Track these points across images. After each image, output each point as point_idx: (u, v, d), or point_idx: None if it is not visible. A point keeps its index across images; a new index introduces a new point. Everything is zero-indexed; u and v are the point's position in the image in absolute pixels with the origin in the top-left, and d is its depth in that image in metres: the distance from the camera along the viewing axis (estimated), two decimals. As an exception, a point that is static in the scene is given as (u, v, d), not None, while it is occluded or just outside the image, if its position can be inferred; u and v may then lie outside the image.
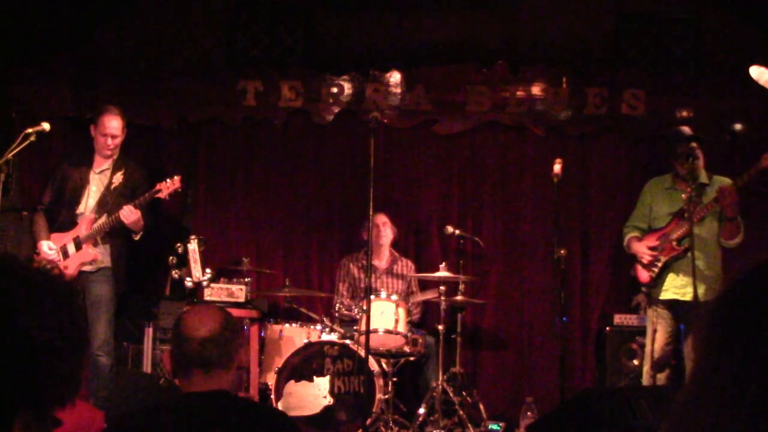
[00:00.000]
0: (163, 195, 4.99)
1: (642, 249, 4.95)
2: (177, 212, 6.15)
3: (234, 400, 2.18)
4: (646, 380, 4.92)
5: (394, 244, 5.95)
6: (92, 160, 5.20)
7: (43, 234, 5.09)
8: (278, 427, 2.14)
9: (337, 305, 5.39)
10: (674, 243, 4.83)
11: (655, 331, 4.87)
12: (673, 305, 4.85)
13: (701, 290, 4.76)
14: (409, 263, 5.91)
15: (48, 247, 5.01)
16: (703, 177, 4.87)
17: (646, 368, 4.94)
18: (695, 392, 0.83)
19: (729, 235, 4.77)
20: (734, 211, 4.67)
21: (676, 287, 4.83)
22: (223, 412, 2.07)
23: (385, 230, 5.75)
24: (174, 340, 2.19)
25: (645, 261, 4.91)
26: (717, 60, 6.07)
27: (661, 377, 4.86)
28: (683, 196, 4.60)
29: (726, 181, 4.82)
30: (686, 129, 4.90)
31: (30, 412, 0.97)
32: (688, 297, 4.81)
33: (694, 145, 4.79)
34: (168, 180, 5.00)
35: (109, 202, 5.07)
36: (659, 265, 4.86)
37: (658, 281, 4.88)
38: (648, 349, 4.91)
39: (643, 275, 4.95)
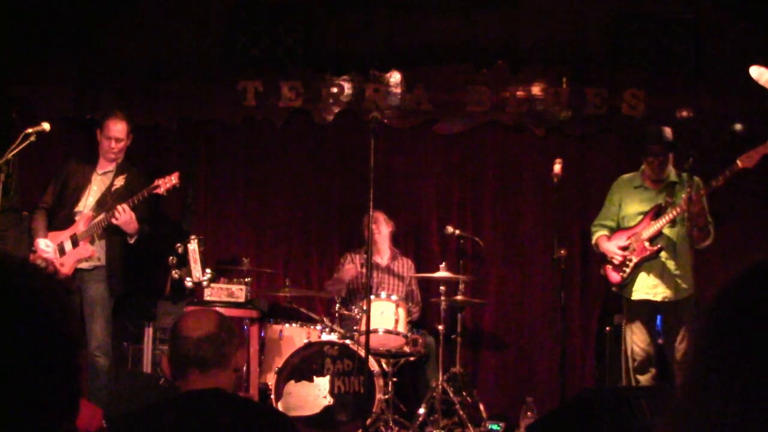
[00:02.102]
0: (160, 191, 5.00)
1: (613, 249, 4.93)
2: (177, 212, 6.15)
3: (230, 398, 2.20)
4: (626, 383, 4.92)
5: (396, 242, 5.95)
6: (97, 161, 5.24)
7: (40, 231, 5.09)
8: (274, 423, 2.16)
9: (337, 302, 5.39)
10: (646, 243, 4.82)
11: (632, 342, 4.87)
12: (644, 305, 4.86)
13: (672, 291, 4.77)
14: (409, 262, 5.91)
15: (45, 245, 5.01)
16: (673, 175, 4.88)
17: (626, 372, 4.93)
18: (691, 390, 0.83)
19: (699, 239, 4.73)
20: (703, 220, 4.66)
21: (648, 287, 4.83)
22: (219, 409, 2.10)
23: (384, 230, 5.75)
24: (171, 341, 2.25)
25: (616, 262, 4.90)
26: (717, 60, 6.06)
27: (646, 378, 4.85)
28: (683, 196, 4.60)
29: (695, 180, 4.79)
30: (668, 132, 4.87)
31: (71, 424, 0.94)
32: (659, 297, 4.83)
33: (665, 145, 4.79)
34: (166, 176, 5.02)
35: (108, 203, 5.07)
36: (630, 265, 4.86)
37: (629, 281, 4.88)
38: (628, 352, 4.91)
39: (614, 276, 4.94)
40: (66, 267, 4.95)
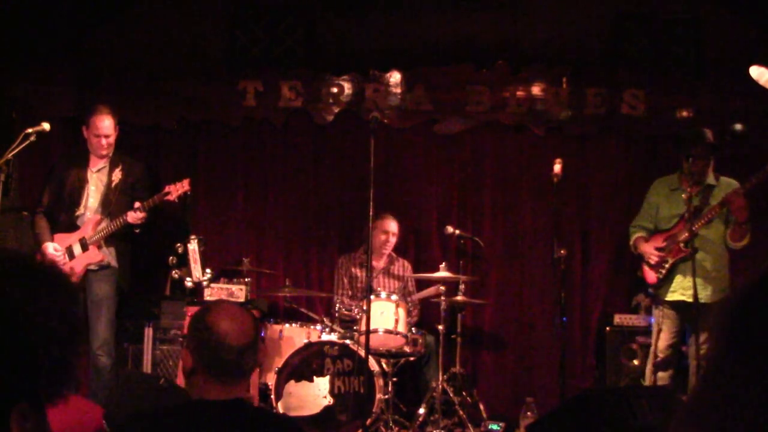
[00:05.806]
0: (172, 197, 4.99)
1: (649, 249, 4.96)
2: (177, 212, 6.15)
3: (249, 410, 2.12)
4: (648, 379, 4.93)
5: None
6: (88, 159, 5.19)
7: (46, 236, 5.07)
8: None
9: (338, 305, 5.39)
10: (681, 245, 4.83)
11: (660, 331, 4.88)
12: (679, 306, 4.86)
13: (708, 291, 4.77)
14: (406, 263, 5.91)
15: (54, 249, 5.00)
16: (711, 178, 4.89)
17: (649, 367, 4.95)
18: (704, 391, 0.83)
19: (737, 238, 4.76)
20: (744, 215, 4.67)
21: (683, 288, 4.84)
22: (238, 421, 2.02)
23: (393, 240, 5.76)
24: (208, 344, 2.03)
25: (652, 262, 4.93)
26: (717, 60, 6.06)
27: (664, 376, 4.87)
28: (684, 196, 4.62)
29: (733, 182, 4.82)
30: (709, 134, 4.88)
31: (26, 404, 0.95)
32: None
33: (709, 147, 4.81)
34: (177, 183, 5.00)
35: (112, 201, 5.06)
36: (666, 266, 4.88)
37: (665, 282, 4.90)
38: (652, 348, 4.92)
39: (650, 276, 4.97)
40: (77, 269, 4.94)
